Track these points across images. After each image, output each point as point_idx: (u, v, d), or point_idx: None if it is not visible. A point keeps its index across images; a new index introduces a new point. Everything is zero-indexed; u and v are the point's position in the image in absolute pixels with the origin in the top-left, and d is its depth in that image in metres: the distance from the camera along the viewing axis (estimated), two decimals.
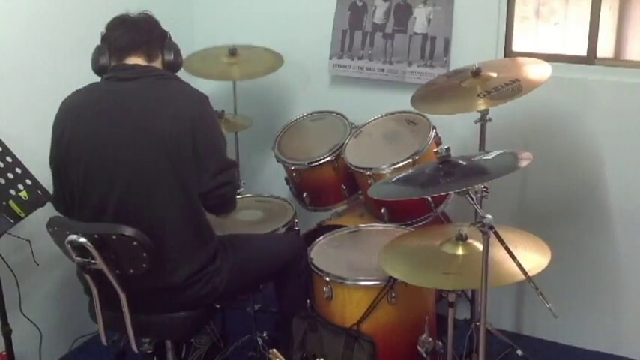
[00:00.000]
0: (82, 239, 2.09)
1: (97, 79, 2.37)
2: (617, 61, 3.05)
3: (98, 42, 2.36)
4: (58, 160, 2.31)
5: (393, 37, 3.25)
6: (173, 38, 2.43)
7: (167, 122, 2.21)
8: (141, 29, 2.34)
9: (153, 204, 2.22)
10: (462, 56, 3.09)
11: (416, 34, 3.20)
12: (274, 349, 2.04)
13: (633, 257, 3.01)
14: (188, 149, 2.22)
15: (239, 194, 2.89)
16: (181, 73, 2.47)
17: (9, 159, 2.45)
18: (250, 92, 3.48)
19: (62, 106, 2.33)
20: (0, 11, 2.73)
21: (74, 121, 2.27)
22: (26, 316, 2.82)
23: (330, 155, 2.99)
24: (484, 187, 2.67)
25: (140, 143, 2.20)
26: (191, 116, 2.24)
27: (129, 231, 2.09)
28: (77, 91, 2.35)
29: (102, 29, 2.37)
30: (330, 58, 3.40)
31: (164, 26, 2.44)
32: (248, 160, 3.64)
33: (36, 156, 2.47)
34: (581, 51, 3.01)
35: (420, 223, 2.84)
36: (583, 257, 3.09)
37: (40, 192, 2.48)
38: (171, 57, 2.40)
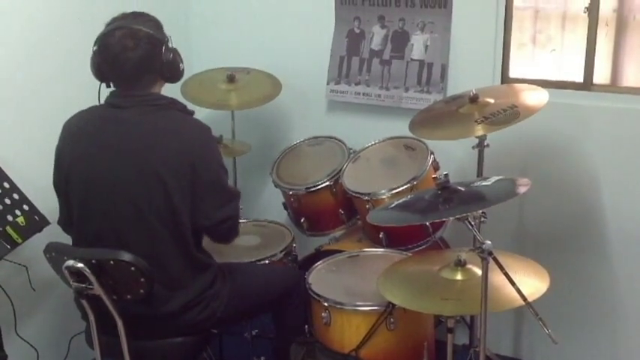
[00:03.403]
0: (80, 264, 2.07)
1: (96, 100, 2.33)
2: (613, 87, 3.07)
3: None
4: (59, 183, 2.31)
5: (390, 63, 3.26)
6: None
7: (167, 156, 2.19)
8: (140, 65, 2.22)
9: (147, 234, 2.21)
10: (459, 82, 3.10)
11: (413, 60, 3.21)
12: None
13: (632, 282, 3.00)
14: (186, 182, 2.20)
15: None
16: (179, 99, 2.46)
17: (6, 184, 2.44)
18: (248, 117, 3.49)
19: (64, 128, 2.32)
20: None
21: (73, 147, 2.27)
22: (23, 339, 2.79)
23: (328, 180, 2.99)
24: (482, 213, 2.67)
25: (137, 175, 2.19)
26: (191, 151, 2.22)
27: (126, 256, 2.08)
28: (79, 113, 2.33)
29: None
30: (328, 84, 3.41)
31: None
32: (246, 185, 3.62)
33: (33, 181, 2.47)
34: (578, 77, 3.03)
35: (418, 248, 2.84)
36: (581, 282, 3.08)
37: (37, 217, 2.47)
38: (172, 78, 2.35)
